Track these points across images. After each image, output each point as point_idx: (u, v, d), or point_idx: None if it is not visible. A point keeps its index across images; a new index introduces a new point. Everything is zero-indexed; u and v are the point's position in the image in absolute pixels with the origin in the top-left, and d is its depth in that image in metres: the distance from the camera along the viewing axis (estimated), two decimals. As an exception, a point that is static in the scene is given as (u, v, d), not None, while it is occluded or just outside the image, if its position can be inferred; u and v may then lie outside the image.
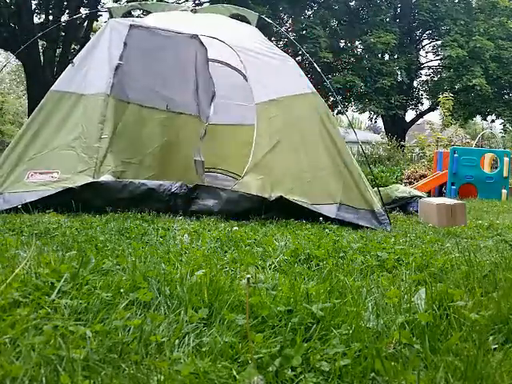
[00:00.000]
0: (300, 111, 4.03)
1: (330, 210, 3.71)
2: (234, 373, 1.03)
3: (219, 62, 5.36)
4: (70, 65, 4.17)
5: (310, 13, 20.68)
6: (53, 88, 4.04)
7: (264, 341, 1.16)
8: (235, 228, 3.03)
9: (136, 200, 3.63)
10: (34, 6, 16.31)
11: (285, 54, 4.40)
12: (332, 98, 21.83)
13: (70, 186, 3.52)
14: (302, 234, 2.99)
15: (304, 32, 18.34)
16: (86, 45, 4.39)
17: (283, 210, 3.68)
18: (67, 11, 16.02)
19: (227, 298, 1.41)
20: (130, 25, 4.34)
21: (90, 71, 4.11)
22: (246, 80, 4.40)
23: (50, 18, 15.91)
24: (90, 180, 3.62)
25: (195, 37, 4.62)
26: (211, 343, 1.15)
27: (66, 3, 15.88)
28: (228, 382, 1.01)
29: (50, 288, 1.42)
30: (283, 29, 21.63)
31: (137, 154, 4.70)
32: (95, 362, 1.03)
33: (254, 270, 1.89)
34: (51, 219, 3.09)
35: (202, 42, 4.69)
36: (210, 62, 4.88)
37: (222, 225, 3.28)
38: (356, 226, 3.58)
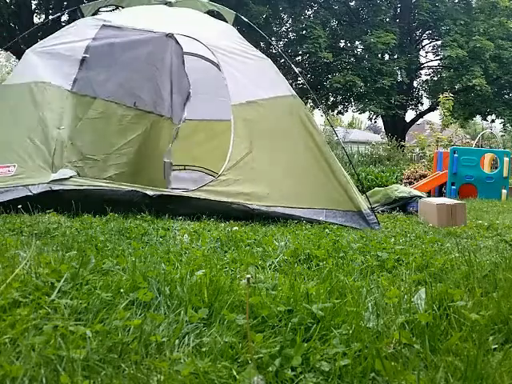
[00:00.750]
0: (279, 114, 3.96)
1: (315, 214, 3.64)
2: (234, 373, 1.03)
3: (194, 54, 5.18)
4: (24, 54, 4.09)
5: (309, 13, 20.69)
6: (11, 79, 3.98)
7: (264, 341, 1.16)
8: (235, 228, 3.03)
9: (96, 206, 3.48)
10: (34, 6, 16.32)
11: (263, 56, 4.32)
12: (332, 98, 21.89)
13: (24, 194, 3.40)
14: (301, 234, 2.99)
15: (304, 32, 18.34)
16: (49, 37, 4.28)
17: (265, 217, 3.59)
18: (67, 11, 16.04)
19: (227, 298, 1.41)
20: (102, 25, 4.26)
21: (51, 63, 4.00)
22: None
23: (50, 17, 15.91)
24: (46, 180, 3.47)
25: (170, 35, 4.47)
26: (211, 343, 1.15)
27: (65, 3, 15.88)
28: (228, 381, 1.01)
29: (50, 288, 1.42)
30: (283, 28, 21.63)
31: (101, 151, 4.41)
32: (95, 362, 1.03)
33: (254, 269, 1.89)
34: (51, 219, 3.09)
35: (177, 41, 4.54)
36: (185, 56, 4.70)
37: (222, 225, 3.29)
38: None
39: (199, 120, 5.80)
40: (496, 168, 8.28)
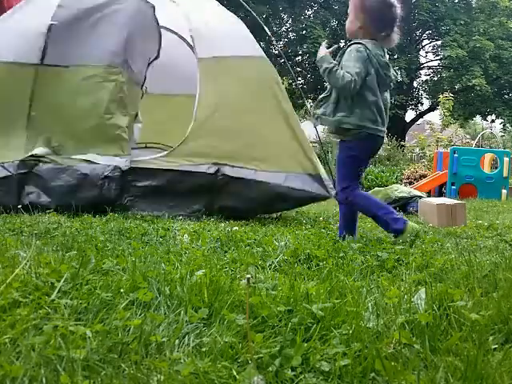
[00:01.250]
0: (249, 73, 3.87)
1: (277, 178, 3.62)
2: (234, 373, 1.03)
3: (164, 28, 4.96)
4: None
5: (309, 13, 20.70)
6: None
7: (264, 341, 1.16)
8: (235, 228, 3.03)
9: (71, 189, 3.41)
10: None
11: (235, 17, 4.24)
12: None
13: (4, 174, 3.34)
14: (301, 234, 2.99)
15: (304, 32, 18.35)
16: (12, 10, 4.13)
17: (233, 193, 3.56)
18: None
19: (227, 298, 1.41)
20: None
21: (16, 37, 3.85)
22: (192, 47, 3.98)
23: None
24: (21, 157, 3.41)
25: None
26: (211, 343, 1.15)
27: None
28: (228, 381, 1.00)
29: (50, 288, 1.42)
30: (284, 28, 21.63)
31: (70, 128, 3.98)
32: (95, 362, 1.03)
33: (254, 269, 1.89)
34: (51, 219, 3.09)
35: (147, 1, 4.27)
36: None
37: (222, 225, 3.29)
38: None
39: (160, 94, 5.48)
40: (496, 168, 8.28)
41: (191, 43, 4.07)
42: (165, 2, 4.39)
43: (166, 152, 3.82)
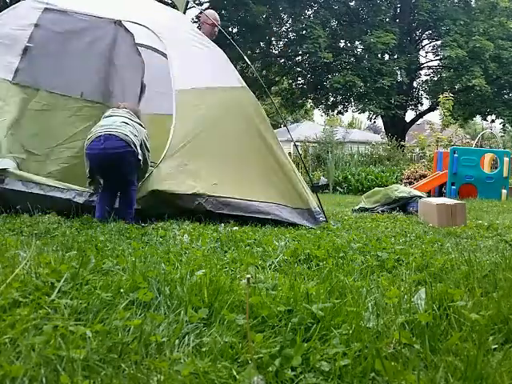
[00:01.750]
0: (227, 104, 3.82)
1: (265, 209, 3.53)
2: (234, 373, 1.03)
3: (147, 47, 4.91)
4: None
5: (309, 13, 20.69)
6: None
7: (264, 341, 1.16)
8: (235, 228, 3.03)
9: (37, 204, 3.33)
10: None
11: (214, 45, 4.18)
12: (332, 98, 21.88)
13: None
14: (301, 234, 2.99)
15: (304, 32, 18.34)
16: None
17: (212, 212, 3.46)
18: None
19: (227, 298, 1.41)
20: (45, 8, 4.06)
21: None
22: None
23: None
24: None
25: (119, 23, 4.26)
26: (211, 343, 1.15)
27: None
28: (228, 381, 1.00)
29: (50, 288, 1.42)
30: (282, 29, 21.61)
31: (43, 146, 4.11)
32: (95, 362, 1.03)
33: (254, 269, 1.89)
34: (51, 219, 3.09)
35: (127, 29, 4.30)
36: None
37: (222, 225, 3.28)
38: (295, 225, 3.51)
39: (152, 114, 5.39)
40: (496, 168, 8.28)
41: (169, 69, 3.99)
42: (148, 33, 4.35)
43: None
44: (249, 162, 3.70)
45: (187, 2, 4.72)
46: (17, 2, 4.41)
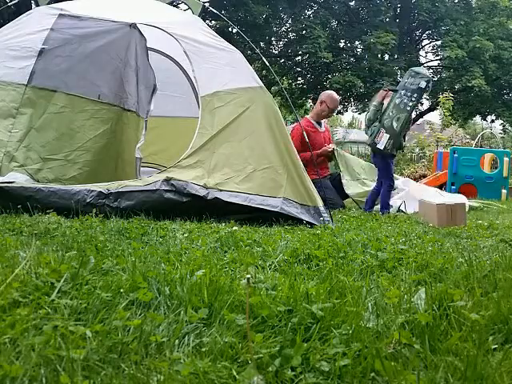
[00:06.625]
0: (247, 104, 3.90)
1: (273, 203, 3.59)
2: (234, 373, 1.03)
3: (156, 51, 5.03)
4: None
5: (309, 13, 20.69)
6: None
7: (264, 341, 1.16)
8: (235, 228, 3.03)
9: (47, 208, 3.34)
10: (33, 7, 16.29)
11: (232, 47, 4.25)
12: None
13: None
14: (301, 234, 2.99)
15: (304, 32, 18.34)
16: (1, 28, 4.13)
17: (223, 208, 3.52)
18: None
19: (227, 298, 1.41)
20: (59, 14, 4.09)
21: (3, 56, 3.85)
22: (184, 70, 4.05)
23: None
24: None
25: (134, 26, 4.29)
26: (211, 343, 1.15)
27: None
28: (228, 381, 1.00)
29: (50, 288, 1.42)
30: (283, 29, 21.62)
31: (63, 149, 4.10)
32: (95, 362, 1.03)
33: (254, 269, 1.89)
34: (51, 219, 3.09)
35: (140, 32, 4.36)
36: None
37: (222, 225, 3.28)
38: (300, 221, 3.54)
39: (162, 117, 5.58)
40: (496, 168, 8.28)
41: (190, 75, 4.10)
42: (158, 37, 4.43)
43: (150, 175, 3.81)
44: (266, 158, 3.77)
45: (203, 6, 4.71)
46: (20, 3, 4.43)
